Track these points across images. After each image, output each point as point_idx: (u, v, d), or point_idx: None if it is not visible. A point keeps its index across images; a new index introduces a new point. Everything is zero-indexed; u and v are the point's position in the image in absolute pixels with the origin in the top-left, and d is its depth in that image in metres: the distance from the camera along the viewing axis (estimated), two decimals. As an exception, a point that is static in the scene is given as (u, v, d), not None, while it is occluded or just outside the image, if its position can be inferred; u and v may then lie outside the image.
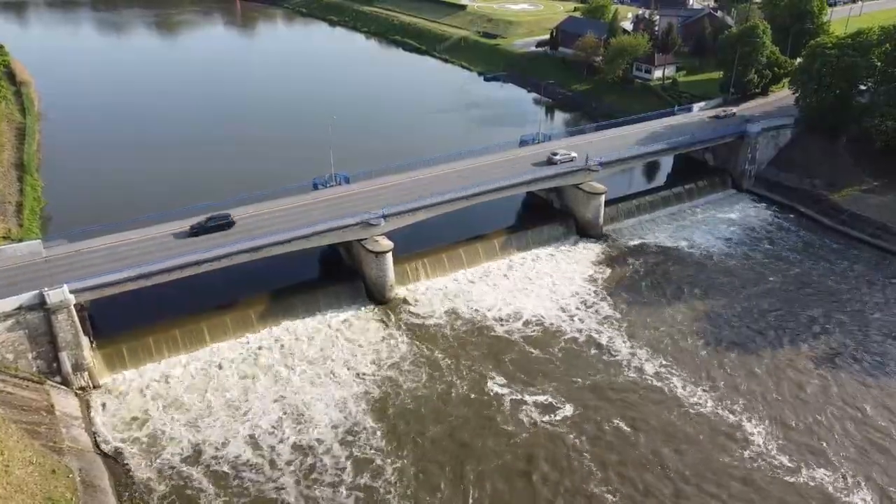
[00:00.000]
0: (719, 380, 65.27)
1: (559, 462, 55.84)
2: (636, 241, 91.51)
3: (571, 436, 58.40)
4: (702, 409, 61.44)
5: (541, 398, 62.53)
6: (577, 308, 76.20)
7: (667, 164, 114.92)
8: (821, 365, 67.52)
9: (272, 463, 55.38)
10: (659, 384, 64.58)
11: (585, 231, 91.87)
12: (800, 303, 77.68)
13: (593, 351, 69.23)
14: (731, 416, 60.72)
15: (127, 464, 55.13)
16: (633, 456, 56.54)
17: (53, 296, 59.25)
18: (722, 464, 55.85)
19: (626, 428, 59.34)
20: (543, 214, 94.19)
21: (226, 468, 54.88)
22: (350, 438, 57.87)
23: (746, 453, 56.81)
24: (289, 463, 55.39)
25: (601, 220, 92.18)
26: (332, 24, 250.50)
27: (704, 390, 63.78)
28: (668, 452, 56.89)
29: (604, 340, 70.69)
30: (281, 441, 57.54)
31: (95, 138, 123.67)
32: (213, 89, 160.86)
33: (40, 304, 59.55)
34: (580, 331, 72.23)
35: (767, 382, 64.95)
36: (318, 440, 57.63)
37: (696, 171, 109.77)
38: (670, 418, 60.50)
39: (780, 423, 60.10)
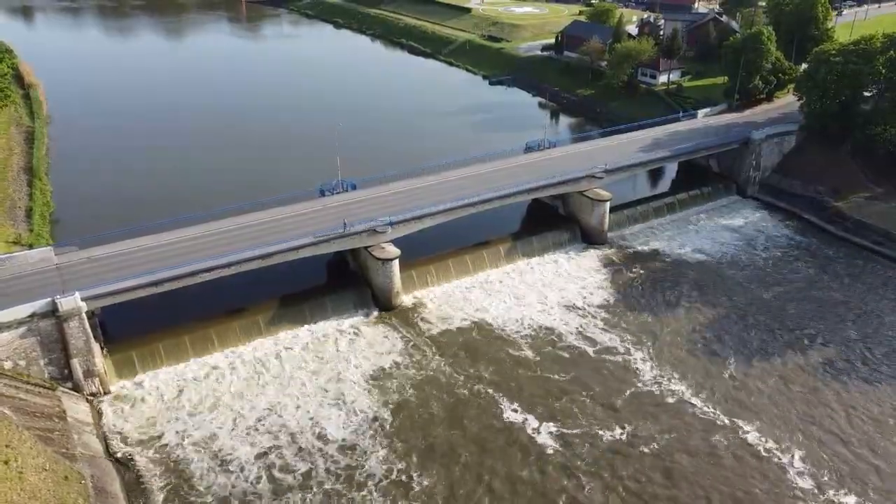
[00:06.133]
0: (725, 388, 65.70)
1: (564, 474, 56.46)
2: (641, 248, 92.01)
3: (575, 450, 58.96)
4: (713, 419, 62.06)
5: (545, 408, 63.21)
6: (583, 314, 76.70)
7: (671, 170, 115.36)
8: (822, 374, 67.99)
9: (279, 468, 56.01)
10: (663, 389, 65.09)
11: (590, 237, 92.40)
12: (802, 309, 78.06)
13: (599, 358, 69.65)
14: (736, 423, 61.31)
15: (138, 469, 55.89)
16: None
17: (65, 303, 60.05)
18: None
19: (634, 438, 59.97)
20: (548, 221, 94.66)
21: (235, 473, 55.53)
22: (357, 445, 58.49)
23: (752, 463, 57.44)
24: (295, 469, 56.02)
25: (606, 226, 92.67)
26: (338, 26, 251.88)
27: (710, 397, 64.32)
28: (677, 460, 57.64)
29: (610, 347, 71.13)
30: (289, 447, 58.16)
31: (104, 141, 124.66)
32: (218, 92, 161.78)
33: (52, 312, 60.35)
34: (585, 337, 72.68)
35: (770, 389, 65.49)
36: (324, 446, 58.25)
37: (701, 177, 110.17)
38: (682, 428, 61.11)
39: (788, 434, 60.64)
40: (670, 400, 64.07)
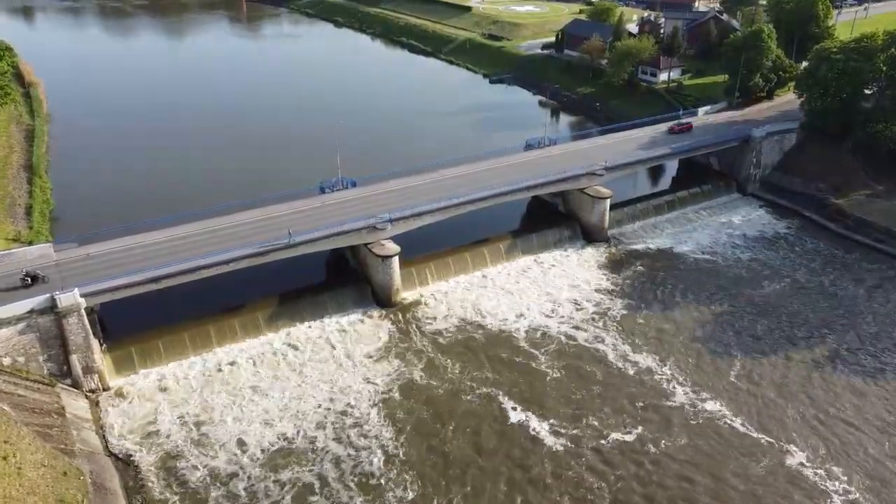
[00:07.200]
0: (727, 386, 65.57)
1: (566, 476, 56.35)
2: (641, 245, 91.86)
3: (581, 447, 58.83)
4: (712, 417, 61.94)
5: (542, 407, 63.16)
6: (582, 312, 76.55)
7: (671, 168, 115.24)
8: (823, 369, 67.88)
9: (278, 466, 55.96)
10: (664, 387, 64.96)
11: (591, 235, 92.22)
12: (804, 307, 77.90)
13: (601, 357, 69.51)
14: (739, 422, 61.22)
15: (137, 466, 55.86)
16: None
17: (64, 300, 60.00)
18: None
19: (636, 441, 59.87)
20: (548, 218, 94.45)
21: (233, 470, 55.46)
22: (356, 445, 58.38)
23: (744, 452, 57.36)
24: (293, 467, 55.92)
25: (606, 223, 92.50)
26: (339, 25, 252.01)
27: (713, 397, 64.15)
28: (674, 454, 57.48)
29: (610, 346, 71.02)
30: (287, 444, 58.13)
31: (104, 140, 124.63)
32: (219, 92, 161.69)
33: (51, 308, 60.33)
34: (586, 334, 72.56)
35: (772, 387, 65.40)
36: (324, 444, 58.21)
37: (701, 175, 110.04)
38: (686, 430, 60.96)
39: (789, 431, 60.54)
40: (686, 406, 63.90)
